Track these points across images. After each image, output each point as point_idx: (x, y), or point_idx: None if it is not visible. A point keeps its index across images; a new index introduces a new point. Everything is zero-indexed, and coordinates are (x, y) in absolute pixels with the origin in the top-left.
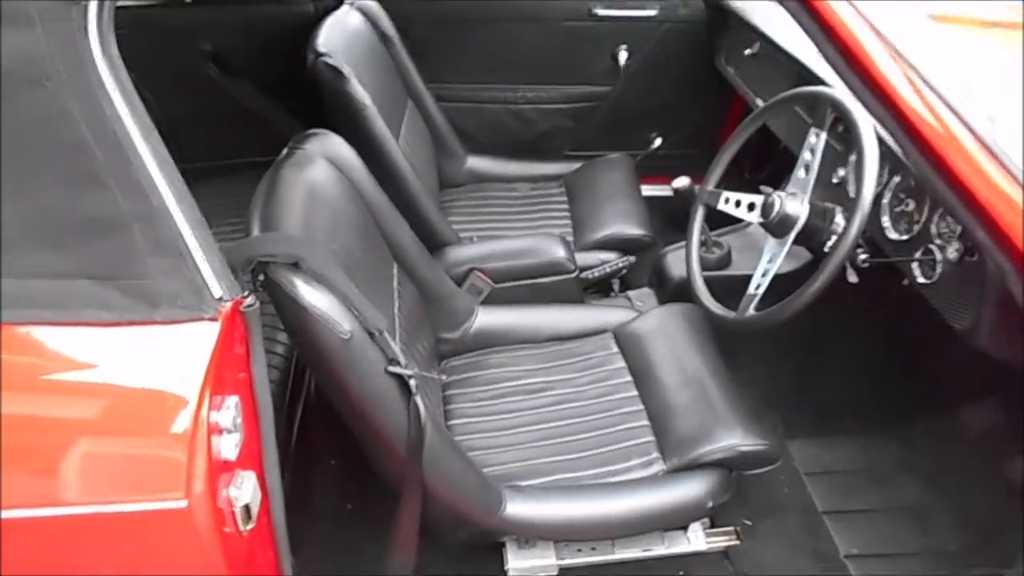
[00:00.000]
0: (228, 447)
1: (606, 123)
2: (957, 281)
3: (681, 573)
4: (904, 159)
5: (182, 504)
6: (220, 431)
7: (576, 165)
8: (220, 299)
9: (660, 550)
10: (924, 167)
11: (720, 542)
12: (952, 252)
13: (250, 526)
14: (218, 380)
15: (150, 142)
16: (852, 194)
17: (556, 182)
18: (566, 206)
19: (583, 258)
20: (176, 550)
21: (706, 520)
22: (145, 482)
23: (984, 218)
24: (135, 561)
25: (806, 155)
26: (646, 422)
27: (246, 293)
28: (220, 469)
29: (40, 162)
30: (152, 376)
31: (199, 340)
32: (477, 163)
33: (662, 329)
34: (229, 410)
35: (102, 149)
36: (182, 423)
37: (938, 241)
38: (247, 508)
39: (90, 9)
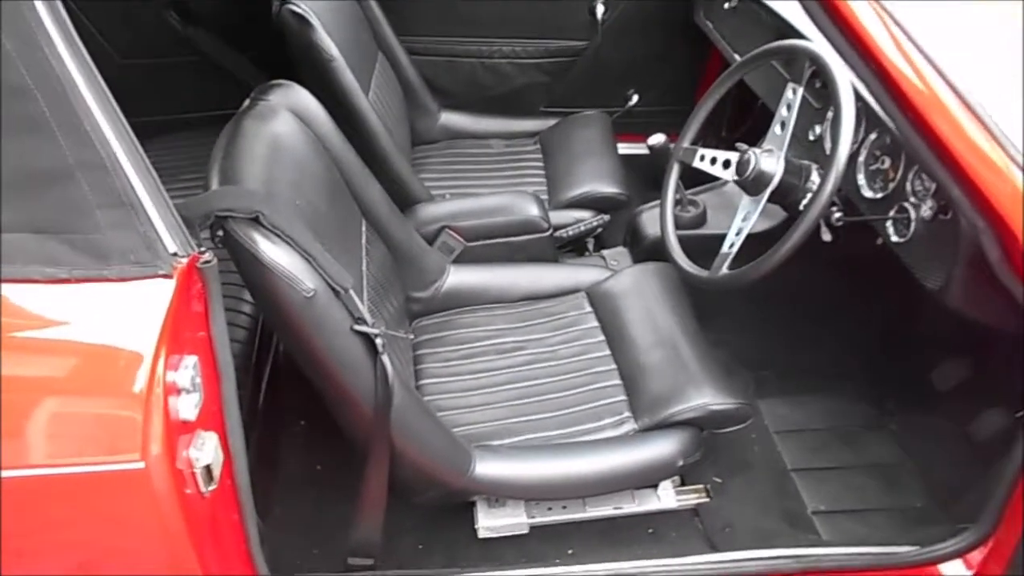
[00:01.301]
0: (187, 407)
1: (583, 79)
2: (930, 240)
3: (651, 530)
4: (882, 115)
5: (139, 465)
6: (178, 391)
7: (552, 122)
8: (175, 255)
9: (631, 508)
10: (902, 123)
11: (690, 500)
12: (926, 210)
13: (212, 487)
14: (174, 339)
15: (94, 87)
16: (828, 152)
17: (531, 139)
18: (541, 164)
19: (557, 216)
20: (134, 512)
21: (676, 478)
22: (101, 444)
23: (960, 175)
24: (94, 523)
25: (783, 111)
26: (618, 381)
27: (203, 249)
28: (179, 430)
29: None
30: (105, 335)
31: (153, 297)
32: (451, 119)
33: (635, 288)
34: (187, 369)
35: (43, 93)
36: (137, 383)
37: (913, 199)
38: (208, 469)
39: None
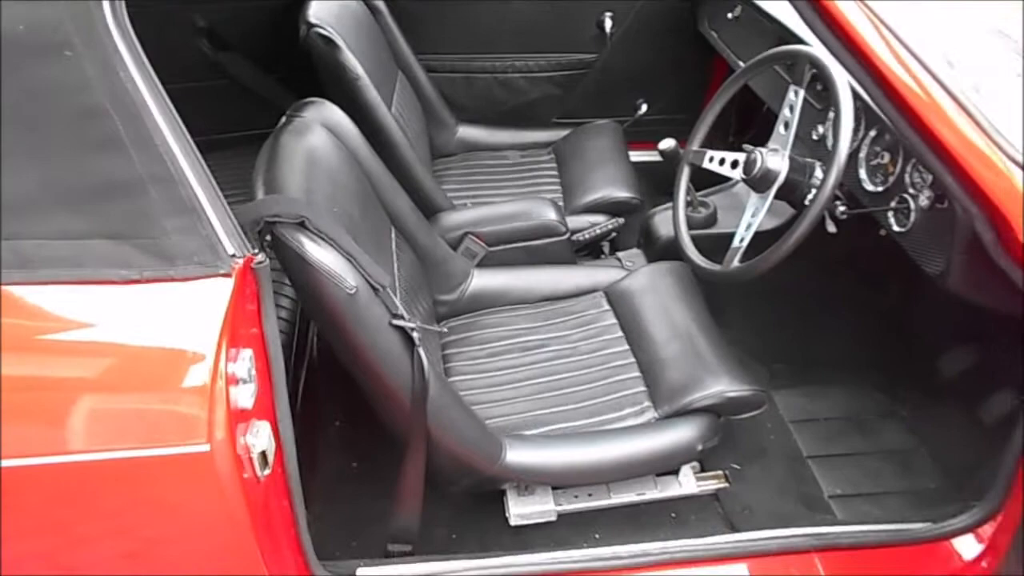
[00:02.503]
0: (244, 396)
1: (593, 90)
2: (929, 228)
3: (673, 515)
4: (878, 112)
5: (205, 448)
6: (237, 381)
7: (564, 132)
8: (233, 256)
9: (653, 494)
10: (897, 119)
11: (710, 485)
12: (924, 200)
13: (267, 472)
14: (233, 333)
15: (161, 107)
16: (831, 149)
17: (545, 149)
18: (555, 172)
19: (573, 221)
20: (201, 492)
21: (696, 465)
22: (170, 429)
23: (952, 165)
24: (165, 505)
25: (786, 112)
26: (637, 373)
27: (256, 251)
28: (238, 417)
29: (60, 128)
30: (173, 329)
31: (215, 295)
32: (468, 132)
33: (651, 286)
34: (244, 362)
35: (119, 114)
36: (202, 374)
37: (911, 190)
38: (264, 455)
39: None
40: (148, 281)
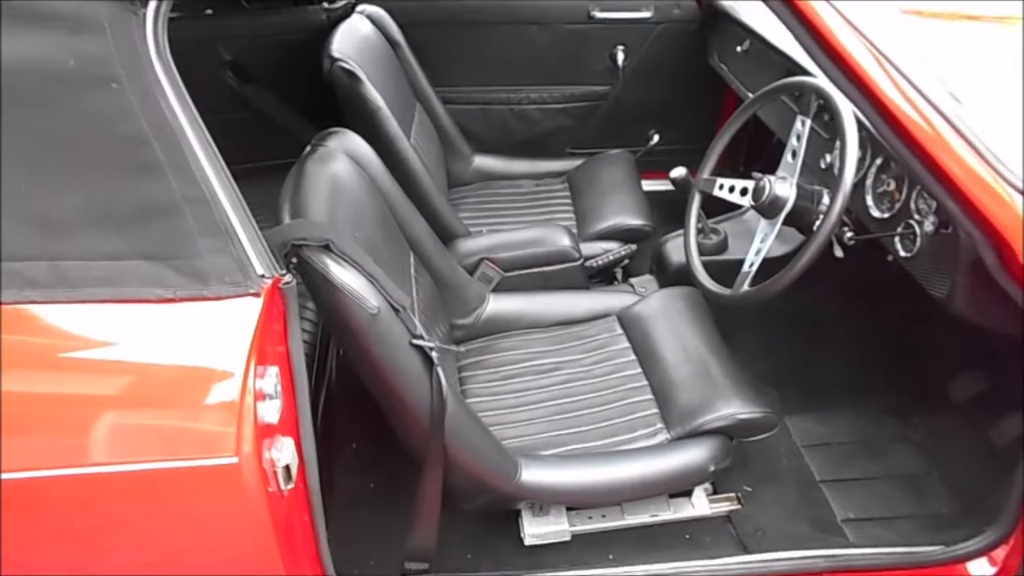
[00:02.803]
0: (271, 412)
1: (606, 121)
2: (934, 252)
3: (687, 536)
4: (882, 141)
5: (233, 460)
6: (264, 397)
7: (578, 162)
8: (262, 276)
9: (667, 515)
10: (900, 147)
11: (723, 507)
12: (929, 225)
13: (290, 486)
14: (261, 351)
15: (198, 134)
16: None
17: (559, 178)
18: (569, 200)
19: (587, 248)
20: (229, 504)
21: (709, 487)
22: (200, 442)
23: (954, 192)
24: (195, 515)
25: (793, 141)
26: (650, 396)
27: (284, 271)
28: (264, 432)
29: (104, 154)
30: (205, 346)
31: (245, 313)
32: (483, 162)
33: (663, 311)
34: (271, 378)
35: (160, 141)
36: (231, 390)
37: (916, 216)
38: (288, 469)
39: (148, 16)
40: (182, 300)
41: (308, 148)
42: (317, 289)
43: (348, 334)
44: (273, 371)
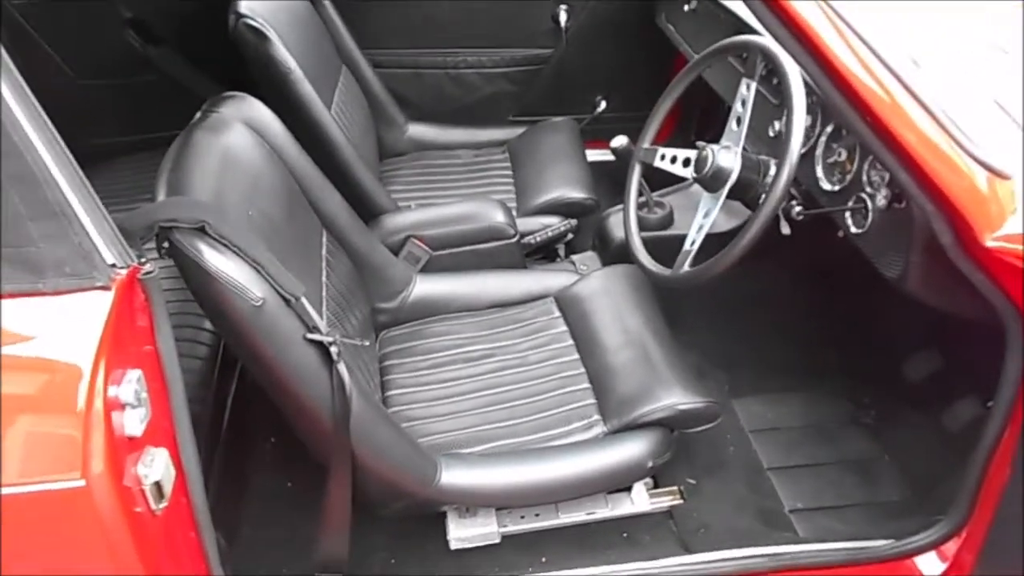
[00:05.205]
0: (132, 423)
1: (549, 87)
2: (887, 228)
3: (625, 534)
4: (833, 105)
5: (79, 484)
6: (122, 406)
7: (520, 130)
8: (113, 266)
9: (604, 513)
10: (850, 113)
11: (664, 502)
12: (881, 199)
13: (163, 505)
14: (115, 352)
15: (20, 98)
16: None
17: (500, 148)
18: (509, 172)
19: (525, 223)
20: (78, 532)
21: (649, 481)
22: (40, 463)
23: (907, 160)
24: (38, 544)
25: (738, 107)
26: (587, 385)
27: (143, 260)
28: (125, 446)
29: None
30: (41, 350)
31: (91, 310)
32: (418, 131)
33: (603, 291)
34: (130, 384)
35: None
36: (76, 398)
37: (868, 189)
38: (158, 486)
39: None
40: (11, 296)
41: (198, 115)
42: (190, 277)
43: (229, 328)
44: (134, 375)
